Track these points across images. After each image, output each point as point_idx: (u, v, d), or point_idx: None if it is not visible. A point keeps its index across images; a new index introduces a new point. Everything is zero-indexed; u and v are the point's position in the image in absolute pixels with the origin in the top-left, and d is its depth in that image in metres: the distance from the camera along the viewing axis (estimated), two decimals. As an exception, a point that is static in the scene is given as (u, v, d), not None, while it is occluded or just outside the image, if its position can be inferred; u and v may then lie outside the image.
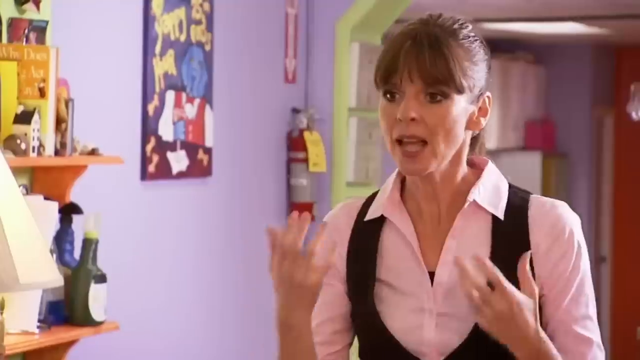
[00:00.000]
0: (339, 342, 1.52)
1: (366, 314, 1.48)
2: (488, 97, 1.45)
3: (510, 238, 1.44)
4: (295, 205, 3.94)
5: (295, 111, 3.95)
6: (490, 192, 1.46)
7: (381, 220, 1.49)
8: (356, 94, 3.98)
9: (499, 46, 6.98)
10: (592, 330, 1.44)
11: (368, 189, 4.10)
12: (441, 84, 1.39)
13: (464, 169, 1.47)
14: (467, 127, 1.44)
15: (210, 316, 3.63)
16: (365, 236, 1.50)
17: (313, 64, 4.03)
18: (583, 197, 7.23)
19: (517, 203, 1.46)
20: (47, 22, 2.83)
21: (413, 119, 1.39)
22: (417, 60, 1.39)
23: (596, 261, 7.18)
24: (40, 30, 2.81)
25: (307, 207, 3.94)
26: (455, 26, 1.42)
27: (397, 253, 1.48)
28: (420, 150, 1.40)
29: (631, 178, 7.61)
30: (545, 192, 6.83)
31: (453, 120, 1.40)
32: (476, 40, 1.43)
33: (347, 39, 3.97)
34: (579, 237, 1.45)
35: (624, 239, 7.52)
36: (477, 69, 1.42)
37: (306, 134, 3.91)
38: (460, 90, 1.40)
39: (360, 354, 1.52)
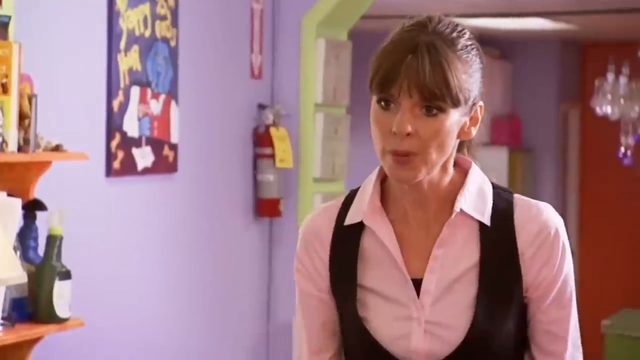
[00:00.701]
0: (330, 347, 1.52)
1: (351, 321, 1.48)
2: (480, 106, 1.45)
3: (497, 244, 1.44)
4: (262, 201, 3.95)
5: (262, 107, 3.95)
6: (475, 197, 1.46)
7: (361, 224, 1.48)
8: (322, 89, 3.98)
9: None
10: (569, 331, 1.46)
11: (335, 184, 4.12)
12: (438, 99, 1.37)
13: (450, 172, 1.47)
14: (458, 137, 1.43)
15: (176, 312, 3.63)
16: (346, 241, 1.49)
17: (279, 60, 4.03)
18: (549, 191, 7.31)
19: (502, 206, 1.46)
20: (9, 17, 2.80)
21: (409, 134, 1.38)
22: (417, 75, 1.37)
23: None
24: (2, 25, 2.79)
25: (273, 203, 3.94)
26: (454, 34, 1.40)
27: (378, 259, 1.47)
28: (412, 159, 1.40)
29: (596, 172, 7.70)
30: (512, 187, 6.87)
31: (446, 133, 1.39)
32: (473, 49, 1.42)
33: (313, 35, 3.98)
34: (564, 240, 1.46)
35: (590, 233, 7.61)
36: (472, 81, 1.41)
37: (272, 130, 3.91)
38: (456, 104, 1.39)
39: (347, 356, 1.52)
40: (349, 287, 1.47)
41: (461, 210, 1.44)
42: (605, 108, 5.44)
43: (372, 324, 1.45)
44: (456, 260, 1.43)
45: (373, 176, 1.50)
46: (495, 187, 1.49)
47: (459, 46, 1.39)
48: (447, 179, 1.45)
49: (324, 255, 1.50)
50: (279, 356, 4.07)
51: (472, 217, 1.44)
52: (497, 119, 7.20)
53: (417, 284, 1.44)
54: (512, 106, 7.44)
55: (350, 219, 1.48)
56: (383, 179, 1.49)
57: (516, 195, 1.48)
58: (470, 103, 1.42)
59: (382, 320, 1.44)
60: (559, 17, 6.12)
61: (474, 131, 1.45)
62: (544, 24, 6.45)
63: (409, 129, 1.37)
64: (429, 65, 1.36)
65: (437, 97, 1.37)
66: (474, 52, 1.42)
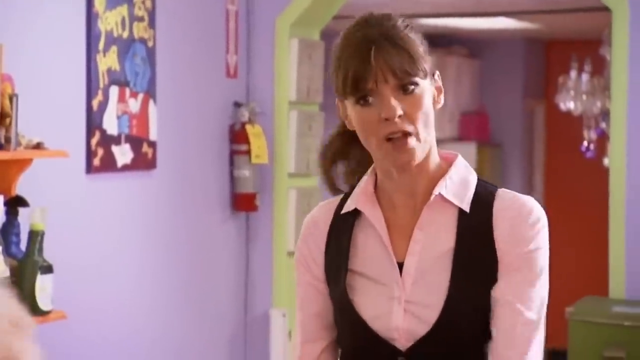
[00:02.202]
0: (326, 337, 1.57)
1: (340, 303, 1.53)
2: (438, 75, 1.52)
3: (474, 230, 1.48)
4: (238, 196, 4.01)
5: (237, 105, 4.00)
6: (457, 185, 1.50)
7: (355, 213, 1.54)
8: (296, 88, 4.03)
9: (434, 41, 7.08)
10: (530, 308, 1.47)
11: (309, 179, 4.20)
12: (411, 75, 1.44)
13: (436, 158, 1.52)
14: (433, 108, 1.50)
15: (155, 304, 3.67)
16: (341, 229, 1.55)
17: (254, 59, 4.08)
18: (516, 185, 7.43)
19: (484, 196, 1.50)
20: (-10, 18, 2.85)
21: (400, 116, 1.44)
22: (386, 61, 1.43)
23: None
24: (-17, 26, 2.83)
25: (249, 198, 4.00)
26: (391, 21, 1.47)
27: (369, 244, 1.52)
28: (409, 140, 1.45)
29: (561, 166, 7.84)
30: (481, 182, 6.98)
31: (427, 105, 1.47)
32: (412, 27, 1.49)
33: (286, 35, 4.03)
34: (540, 226, 1.49)
35: (554, 224, 7.66)
36: (426, 52, 1.49)
37: (248, 127, 3.96)
38: (425, 75, 1.47)
39: (338, 341, 1.58)
40: (341, 272, 1.54)
41: (441, 195, 1.49)
42: (568, 104, 5.55)
43: (358, 305, 1.51)
44: (435, 243, 1.49)
45: (367, 173, 1.56)
46: (481, 180, 1.54)
47: (401, 27, 1.47)
48: (432, 163, 1.51)
49: (321, 244, 1.56)
50: (256, 347, 4.13)
51: (452, 203, 1.50)
52: (466, 115, 7.30)
53: (401, 266, 1.50)
54: (480, 103, 7.55)
55: (346, 208, 1.55)
56: (376, 175, 1.54)
57: (501, 189, 1.52)
58: (431, 72, 1.50)
59: (367, 300, 1.51)
60: (524, 16, 6.22)
61: (442, 99, 1.52)
62: (510, 23, 6.55)
63: (400, 111, 1.44)
64: (392, 49, 1.44)
65: (410, 73, 1.44)
66: (413, 28, 1.49)
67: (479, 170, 7.40)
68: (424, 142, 1.47)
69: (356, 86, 1.45)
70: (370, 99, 1.45)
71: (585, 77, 5.54)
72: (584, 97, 5.48)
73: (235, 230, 4.06)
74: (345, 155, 1.59)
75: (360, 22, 1.48)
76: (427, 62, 1.48)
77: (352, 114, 1.48)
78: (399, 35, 1.46)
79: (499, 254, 1.48)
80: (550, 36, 7.48)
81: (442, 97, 1.52)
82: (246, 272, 4.11)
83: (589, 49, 6.15)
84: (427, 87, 1.48)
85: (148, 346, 3.63)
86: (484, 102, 7.54)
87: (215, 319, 3.98)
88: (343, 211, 1.56)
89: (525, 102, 7.63)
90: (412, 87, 1.45)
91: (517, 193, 1.53)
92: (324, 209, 1.59)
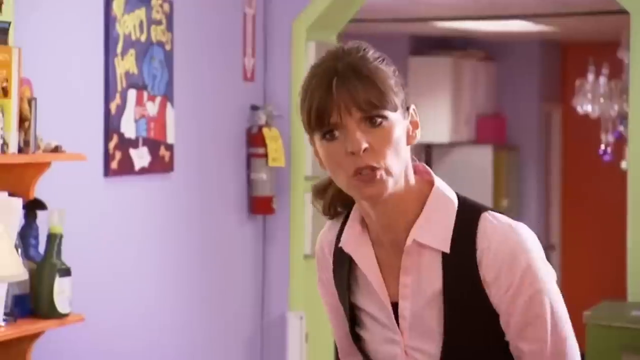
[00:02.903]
0: (358, 352, 1.57)
1: (353, 338, 1.54)
2: (414, 109, 1.46)
3: (459, 270, 1.43)
4: (255, 199, 4.01)
5: (254, 108, 4.02)
6: (435, 224, 1.44)
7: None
8: (313, 91, 4.05)
9: (451, 44, 7.11)
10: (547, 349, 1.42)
11: (325, 183, 4.19)
12: (378, 108, 1.39)
13: (412, 190, 1.45)
14: (407, 143, 1.44)
15: (172, 306, 3.68)
16: (342, 262, 1.52)
17: (271, 63, 4.09)
18: (533, 188, 7.41)
19: (465, 230, 1.43)
20: (9, 23, 2.85)
21: (365, 149, 1.38)
22: (349, 93, 1.38)
23: (546, 249, 7.36)
24: (2, 30, 2.83)
25: (266, 201, 4.01)
26: (361, 52, 1.42)
27: (366, 281, 1.49)
28: (376, 173, 1.39)
29: (578, 169, 7.81)
30: (497, 184, 6.97)
31: (397, 139, 1.40)
32: (383, 59, 1.44)
33: (303, 38, 4.04)
34: (528, 262, 1.41)
35: (572, 228, 7.72)
36: (398, 84, 1.43)
37: (265, 130, 3.97)
38: (395, 109, 1.41)
39: None
40: (346, 307, 1.53)
41: (417, 241, 1.44)
42: (586, 107, 5.54)
43: (368, 346, 1.51)
44: (423, 286, 1.45)
45: (354, 209, 1.50)
46: (461, 204, 1.46)
47: (371, 59, 1.42)
48: (409, 196, 1.45)
49: (329, 273, 1.55)
50: (273, 350, 4.13)
51: (432, 247, 1.44)
52: (482, 118, 7.29)
53: (396, 306, 1.47)
54: (497, 105, 7.54)
55: (342, 243, 1.51)
56: None
57: (484, 215, 1.44)
58: (404, 106, 1.43)
59: (375, 343, 1.50)
60: (541, 19, 6.21)
61: (418, 134, 1.46)
62: (526, 26, 6.54)
63: (365, 144, 1.38)
64: (356, 80, 1.39)
65: (376, 106, 1.39)
66: (385, 61, 1.44)
67: (495, 174, 7.42)
68: (396, 175, 1.41)
69: (320, 120, 1.40)
70: (336, 133, 1.40)
71: (602, 80, 5.53)
72: (602, 100, 5.47)
73: (252, 233, 4.07)
74: (322, 193, 1.54)
75: (328, 55, 1.44)
76: (398, 95, 1.42)
77: (320, 149, 1.43)
78: (366, 66, 1.40)
79: (489, 293, 1.42)
80: (567, 39, 7.47)
81: (418, 132, 1.46)
82: (263, 275, 4.12)
83: (606, 52, 6.13)
84: (397, 121, 1.41)
85: (165, 348, 3.64)
86: (501, 104, 7.52)
87: (232, 322, 3.99)
88: (340, 245, 1.51)
89: (542, 105, 7.61)
90: (380, 119, 1.40)
91: (500, 221, 1.44)
92: (327, 236, 1.56)
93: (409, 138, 1.45)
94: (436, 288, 1.44)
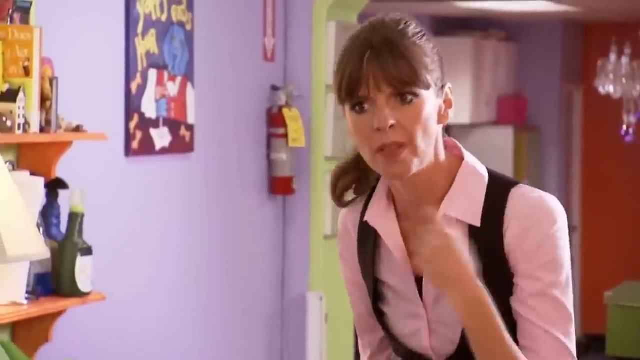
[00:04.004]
0: (378, 327, 1.55)
1: (375, 312, 1.52)
2: (449, 88, 1.44)
3: (486, 242, 1.41)
4: (276, 179, 4.02)
5: (275, 88, 4.01)
6: (465, 198, 1.43)
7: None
8: (333, 71, 4.04)
9: (471, 24, 7.06)
10: (555, 324, 1.40)
11: (345, 163, 4.19)
12: (409, 85, 1.37)
13: (442, 167, 1.44)
14: (438, 122, 1.42)
15: (193, 288, 3.70)
16: (367, 236, 1.50)
17: (291, 43, 4.08)
18: (554, 169, 7.38)
19: (495, 203, 1.42)
20: (31, 2, 2.86)
21: (392, 126, 1.37)
22: (381, 68, 1.36)
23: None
24: (24, 10, 2.85)
25: (286, 181, 4.01)
26: (401, 26, 1.40)
27: (391, 254, 1.48)
28: (401, 151, 1.38)
29: (599, 150, 7.76)
30: (518, 165, 6.95)
31: (427, 117, 1.39)
32: (423, 34, 1.42)
33: (324, 18, 4.03)
34: (555, 231, 1.41)
35: (593, 209, 7.69)
36: (434, 63, 1.41)
37: (285, 111, 3.97)
38: (427, 87, 1.39)
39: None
40: (370, 282, 1.52)
41: (446, 214, 1.42)
42: (607, 87, 5.49)
43: (390, 321, 1.50)
44: None
45: (381, 181, 1.50)
46: (492, 178, 1.45)
47: (410, 34, 1.40)
48: (439, 173, 1.44)
49: (353, 249, 1.53)
50: (293, 330, 4.15)
51: (461, 221, 1.43)
52: (503, 99, 7.26)
53: (421, 281, 1.46)
54: (518, 86, 7.50)
55: (367, 217, 1.50)
56: None
57: (514, 189, 1.43)
58: (439, 85, 1.42)
59: (397, 318, 1.49)
60: (562, -1, 6.16)
61: (451, 114, 1.44)
62: (548, 6, 6.48)
63: (391, 121, 1.36)
64: (390, 56, 1.37)
65: (407, 83, 1.37)
66: (425, 37, 1.42)
67: (516, 155, 7.39)
68: (422, 155, 1.39)
69: (350, 92, 1.39)
70: (366, 106, 1.39)
71: (624, 60, 5.48)
72: (624, 80, 5.42)
73: (272, 213, 4.07)
74: (345, 173, 1.53)
75: (367, 25, 1.42)
76: (432, 73, 1.40)
77: (349, 120, 1.42)
78: (402, 42, 1.38)
79: (511, 262, 1.41)
80: (589, 19, 7.40)
81: (450, 111, 1.44)
82: (283, 255, 4.13)
83: (628, 32, 6.07)
84: (429, 99, 1.39)
85: (186, 327, 3.67)
86: (522, 85, 7.48)
87: (252, 302, 4.01)
88: (365, 219, 1.50)
89: (563, 86, 7.56)
90: (411, 97, 1.38)
91: (531, 193, 1.43)
92: (351, 211, 1.54)
93: (440, 117, 1.43)
94: None
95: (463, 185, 1.43)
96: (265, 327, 4.08)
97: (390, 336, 1.51)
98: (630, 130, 5.50)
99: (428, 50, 1.41)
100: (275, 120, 3.97)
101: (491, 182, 1.45)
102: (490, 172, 1.47)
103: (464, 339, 1.41)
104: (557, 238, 1.41)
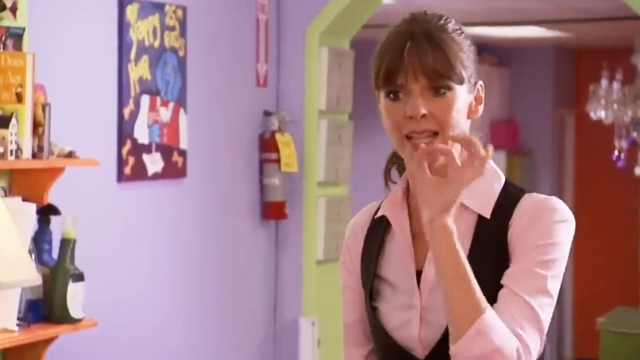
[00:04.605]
0: (369, 342, 1.57)
1: (367, 309, 1.54)
2: (481, 85, 1.50)
3: (490, 234, 1.46)
4: (268, 204, 4.02)
5: (267, 114, 4.03)
6: (480, 191, 1.48)
7: (387, 217, 1.54)
8: (326, 96, 4.05)
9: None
10: (529, 293, 1.41)
11: (338, 188, 4.20)
12: (444, 78, 1.43)
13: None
14: (467, 116, 1.48)
15: (185, 311, 3.69)
16: (375, 234, 1.55)
17: (284, 68, 4.10)
18: (546, 193, 7.29)
19: (507, 202, 1.47)
20: (23, 29, 2.88)
21: (424, 115, 1.42)
22: (419, 59, 1.42)
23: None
24: (17, 37, 2.86)
25: (279, 206, 4.01)
26: (442, 22, 1.46)
27: (395, 250, 1.52)
28: (431, 142, 1.43)
29: (591, 175, 7.79)
30: (510, 191, 6.95)
31: (458, 111, 1.45)
32: (462, 32, 1.48)
33: (316, 44, 4.05)
34: (559, 220, 1.45)
35: (585, 234, 7.69)
36: (470, 59, 1.47)
37: (278, 136, 3.98)
38: (461, 81, 1.44)
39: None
40: (367, 278, 1.55)
41: (460, 202, 1.45)
42: (599, 113, 5.52)
43: (382, 313, 1.52)
44: None
45: (401, 179, 1.56)
46: (509, 183, 1.51)
47: (449, 29, 1.46)
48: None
49: (357, 250, 1.57)
50: (285, 355, 4.13)
51: (472, 210, 1.47)
52: (496, 124, 7.29)
53: (419, 275, 1.50)
54: (510, 111, 7.53)
55: (379, 213, 1.56)
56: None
57: (528, 194, 1.49)
58: (472, 81, 1.48)
59: (390, 308, 1.51)
60: (554, 25, 6.20)
61: (480, 110, 1.50)
62: (540, 32, 6.53)
63: (423, 110, 1.42)
64: (429, 48, 1.42)
65: (443, 76, 1.43)
66: (463, 34, 1.48)
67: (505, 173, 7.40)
68: (453, 146, 1.45)
69: (388, 79, 1.45)
70: (400, 94, 1.45)
71: (616, 85, 5.51)
72: (615, 106, 5.46)
73: (264, 238, 4.07)
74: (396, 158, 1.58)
75: (408, 18, 1.48)
76: (467, 69, 1.46)
77: (382, 107, 1.47)
78: (441, 36, 1.44)
79: (510, 251, 1.45)
80: (581, 44, 7.45)
81: (480, 107, 1.51)
82: (275, 280, 4.13)
83: (619, 58, 6.11)
84: (461, 94, 1.46)
85: (178, 353, 3.65)
86: (514, 110, 7.52)
87: (244, 327, 3.99)
88: (377, 216, 1.57)
89: (556, 111, 7.60)
90: (444, 90, 1.44)
91: (544, 195, 1.49)
92: (364, 214, 1.61)
93: (470, 112, 1.49)
94: (465, 251, 1.45)
95: (481, 180, 1.47)
96: (258, 352, 4.06)
97: (381, 331, 1.51)
98: (622, 156, 5.53)
99: (465, 47, 1.47)
100: (267, 145, 3.98)
101: (507, 185, 1.51)
102: (507, 179, 1.53)
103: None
104: (557, 229, 1.45)
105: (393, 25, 1.49)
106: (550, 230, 1.45)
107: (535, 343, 1.40)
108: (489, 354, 1.35)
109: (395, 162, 1.58)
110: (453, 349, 1.36)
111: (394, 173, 1.59)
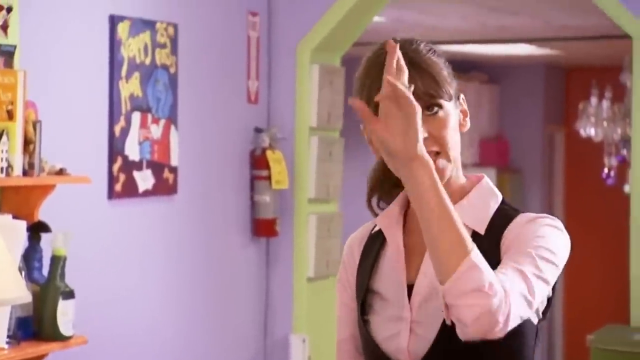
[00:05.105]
0: (361, 357, 1.59)
1: (358, 322, 1.56)
2: (463, 98, 1.55)
3: (484, 251, 1.42)
4: (259, 221, 4.02)
5: (258, 130, 4.03)
6: (475, 207, 1.51)
7: (383, 233, 1.57)
8: (317, 113, 4.06)
9: (453, 67, 7.14)
10: (523, 265, 1.40)
11: (329, 205, 4.21)
12: (434, 97, 1.47)
13: (460, 179, 1.53)
14: (459, 130, 1.52)
15: (176, 329, 3.68)
16: (370, 249, 1.58)
17: (275, 85, 4.12)
18: (536, 210, 7.38)
19: (502, 220, 1.50)
20: (14, 46, 2.89)
21: (425, 138, 1.44)
22: (408, 84, 1.42)
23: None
24: (8, 54, 2.87)
25: (270, 223, 4.01)
26: (414, 45, 1.50)
27: (389, 264, 1.55)
28: (436, 159, 1.46)
29: (581, 192, 7.82)
30: (501, 208, 6.98)
31: (452, 126, 1.49)
32: (435, 51, 1.52)
33: (307, 61, 4.06)
34: (546, 223, 1.46)
35: (575, 251, 7.62)
36: (449, 75, 1.51)
37: (269, 153, 3.98)
38: (449, 98, 1.49)
39: None
40: (362, 292, 1.57)
41: None
42: (589, 130, 5.55)
43: (372, 325, 1.54)
44: None
45: (402, 193, 1.57)
46: (505, 203, 1.54)
47: (424, 51, 1.50)
48: (456, 184, 1.52)
49: (353, 265, 1.60)
50: (276, 372, 4.13)
51: (466, 225, 1.47)
52: (485, 141, 7.31)
53: (411, 289, 1.52)
54: (500, 128, 7.56)
55: (376, 228, 1.59)
56: None
57: (524, 214, 1.51)
58: (456, 95, 1.52)
59: (380, 321, 1.53)
60: (544, 42, 6.24)
61: (468, 122, 1.54)
62: (530, 50, 6.57)
63: (425, 134, 1.45)
64: (415, 73, 1.45)
65: (433, 96, 1.47)
66: (436, 53, 1.52)
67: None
68: (454, 161, 1.49)
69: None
70: None
71: (605, 103, 5.54)
72: (605, 123, 5.48)
73: (255, 255, 4.07)
74: (379, 183, 1.59)
75: (382, 47, 1.49)
76: (451, 85, 1.50)
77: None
78: (422, 59, 1.48)
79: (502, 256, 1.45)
80: (571, 62, 7.50)
81: (467, 120, 1.54)
82: (266, 297, 4.12)
83: (609, 76, 6.14)
84: (451, 110, 1.50)
85: (168, 371, 3.64)
86: (504, 128, 7.54)
87: (235, 344, 3.98)
88: (373, 231, 1.60)
89: (545, 128, 7.63)
90: (436, 108, 1.47)
91: (535, 214, 1.50)
92: (362, 230, 1.63)
93: (461, 126, 1.53)
94: None
95: (478, 197, 1.52)
96: (249, 370, 4.05)
97: (371, 344, 1.53)
98: (612, 173, 5.55)
99: (442, 65, 1.51)
100: (258, 162, 3.98)
101: (503, 204, 1.54)
102: (504, 198, 1.55)
103: (439, 337, 1.46)
104: (554, 233, 1.46)
105: (366, 57, 1.51)
106: (546, 230, 1.46)
107: (518, 308, 1.37)
108: (483, 287, 1.33)
109: (378, 190, 1.59)
110: (445, 288, 1.34)
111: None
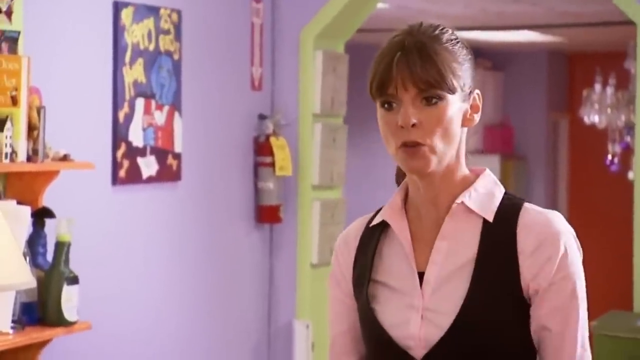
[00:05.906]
0: (356, 352, 1.60)
1: (362, 312, 1.55)
2: (478, 94, 1.53)
3: (497, 240, 1.48)
4: (262, 208, 4.03)
5: (262, 117, 4.03)
6: (482, 195, 1.51)
7: (383, 225, 1.57)
8: (320, 100, 4.06)
9: (458, 53, 7.13)
10: (569, 327, 1.47)
11: (332, 191, 4.21)
12: (434, 87, 1.45)
13: (463, 169, 1.53)
14: (463, 125, 1.50)
15: (179, 314, 3.69)
16: (368, 241, 1.58)
17: (278, 72, 4.11)
18: (540, 197, 7.42)
19: (509, 209, 1.51)
20: (19, 32, 2.89)
21: (414, 125, 1.46)
22: (409, 69, 1.45)
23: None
24: (12, 40, 2.87)
25: (273, 210, 4.02)
26: (437, 32, 1.49)
27: (393, 254, 1.55)
28: (420, 148, 1.47)
29: (585, 179, 7.81)
30: (504, 195, 6.98)
31: (449, 120, 1.47)
32: (458, 42, 1.50)
33: (311, 47, 4.06)
34: (567, 243, 1.49)
35: (579, 238, 7.68)
36: (464, 69, 1.49)
37: (272, 139, 3.98)
38: (452, 91, 1.47)
39: (365, 356, 1.60)
40: (363, 282, 1.57)
41: (465, 205, 1.50)
42: (593, 117, 5.54)
43: (379, 313, 1.54)
44: (457, 252, 1.50)
45: (399, 187, 1.59)
46: (508, 193, 1.55)
47: (444, 40, 1.48)
48: (459, 174, 1.52)
49: (349, 259, 1.59)
50: (279, 356, 4.12)
51: (476, 214, 1.50)
52: (489, 128, 7.30)
53: (422, 275, 1.52)
54: (504, 115, 7.55)
55: (376, 220, 1.59)
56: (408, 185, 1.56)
57: (528, 203, 1.52)
58: (467, 90, 1.50)
59: (387, 308, 1.53)
60: (548, 29, 6.22)
61: (476, 118, 1.53)
62: (533, 36, 6.56)
63: (414, 120, 1.46)
64: (418, 58, 1.45)
65: (433, 85, 1.45)
66: (458, 44, 1.50)
67: (502, 183, 7.42)
68: (441, 154, 1.48)
69: (380, 90, 1.48)
70: (394, 104, 1.48)
71: (609, 90, 5.53)
72: (609, 110, 5.47)
73: (259, 241, 4.08)
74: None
75: (404, 30, 1.51)
76: (459, 78, 1.48)
77: (378, 116, 1.51)
78: (433, 46, 1.47)
79: (522, 269, 1.47)
80: (574, 49, 7.48)
81: (476, 116, 1.53)
82: (270, 284, 4.13)
83: (613, 62, 6.13)
84: (454, 103, 1.48)
85: (171, 356, 3.65)
86: (508, 114, 7.54)
87: (239, 330, 4.00)
88: (372, 224, 1.59)
89: (549, 115, 7.62)
90: (435, 99, 1.46)
91: (543, 208, 1.52)
92: (357, 223, 1.63)
93: (465, 120, 1.51)
94: (470, 255, 1.48)
95: (482, 186, 1.53)
96: (252, 355, 4.06)
97: (377, 330, 1.53)
98: (615, 160, 5.54)
99: (460, 57, 1.49)
100: (262, 148, 3.98)
101: (506, 194, 1.55)
102: (506, 189, 1.57)
103: (454, 325, 1.46)
104: (574, 251, 1.51)
105: (389, 38, 1.52)
106: (563, 259, 1.50)
107: None
108: None
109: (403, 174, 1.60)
110: None
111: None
